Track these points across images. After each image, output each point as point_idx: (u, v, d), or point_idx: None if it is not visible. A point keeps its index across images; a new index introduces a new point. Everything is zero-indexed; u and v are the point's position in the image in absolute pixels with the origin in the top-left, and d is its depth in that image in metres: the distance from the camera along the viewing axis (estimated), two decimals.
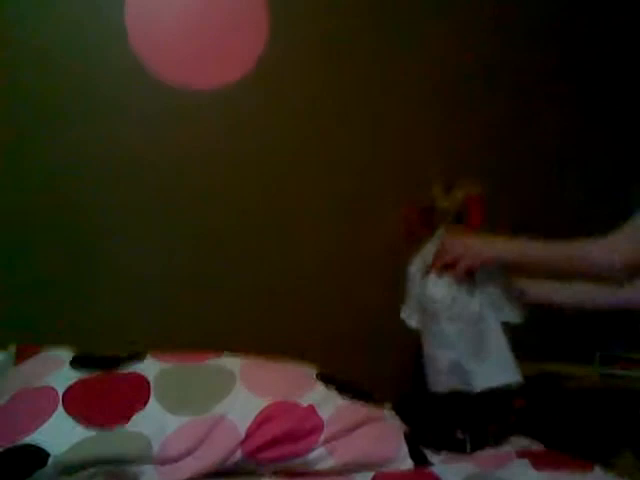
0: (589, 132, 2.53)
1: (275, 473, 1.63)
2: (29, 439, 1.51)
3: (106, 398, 1.65)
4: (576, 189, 2.50)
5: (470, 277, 1.71)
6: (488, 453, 1.78)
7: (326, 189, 2.26)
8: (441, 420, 1.85)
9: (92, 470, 1.51)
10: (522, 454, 1.72)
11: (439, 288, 1.72)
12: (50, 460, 1.48)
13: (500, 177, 2.39)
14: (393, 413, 1.87)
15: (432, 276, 1.74)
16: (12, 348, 1.86)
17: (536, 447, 1.83)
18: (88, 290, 2.05)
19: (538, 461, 1.64)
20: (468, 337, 1.70)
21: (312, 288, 2.22)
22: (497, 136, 2.43)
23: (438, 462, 1.73)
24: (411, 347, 1.90)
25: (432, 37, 2.36)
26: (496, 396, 1.84)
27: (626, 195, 2.40)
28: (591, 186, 2.51)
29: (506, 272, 1.74)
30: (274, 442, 1.62)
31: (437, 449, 1.79)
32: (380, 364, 2.20)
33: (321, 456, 1.64)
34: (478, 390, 1.69)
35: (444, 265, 1.71)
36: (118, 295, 2.06)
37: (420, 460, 1.70)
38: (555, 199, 2.49)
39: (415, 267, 1.80)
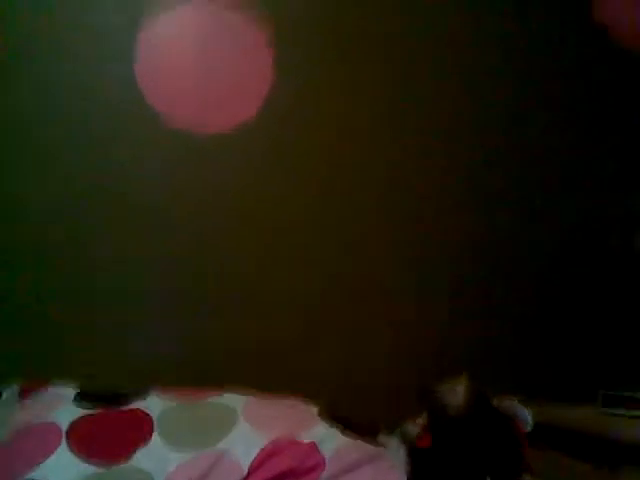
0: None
1: None
2: (32, 476, 1.52)
3: (109, 434, 1.66)
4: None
5: None
6: None
7: (333, 222, 2.28)
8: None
9: None
10: None
11: None
12: None
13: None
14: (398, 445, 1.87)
15: None
16: (16, 384, 1.87)
17: None
18: (89, 321, 2.07)
19: None
20: None
21: (315, 309, 2.24)
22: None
23: None
24: None
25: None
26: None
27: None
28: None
29: None
30: (276, 479, 1.62)
31: None
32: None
33: None
34: None
35: None
36: (120, 324, 2.09)
37: None
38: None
39: None
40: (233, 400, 1.82)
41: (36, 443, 1.61)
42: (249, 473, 1.62)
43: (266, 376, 2.01)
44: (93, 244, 2.09)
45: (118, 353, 2.06)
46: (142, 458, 1.61)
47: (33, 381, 1.86)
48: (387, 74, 2.35)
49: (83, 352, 2.04)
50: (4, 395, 1.85)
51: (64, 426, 1.65)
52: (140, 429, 1.68)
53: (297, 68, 2.24)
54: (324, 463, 1.67)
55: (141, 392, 1.82)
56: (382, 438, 1.94)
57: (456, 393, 1.80)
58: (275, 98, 2.21)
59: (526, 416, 1.88)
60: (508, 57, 2.42)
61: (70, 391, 1.82)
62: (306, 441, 1.71)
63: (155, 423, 1.70)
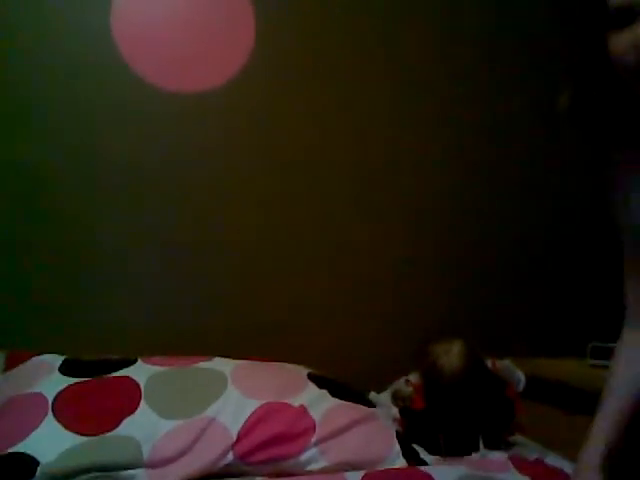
0: None
1: (267, 474, 1.62)
2: (18, 448, 1.50)
3: (96, 403, 1.65)
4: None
5: None
6: (484, 458, 1.75)
7: (325, 192, 2.22)
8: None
9: (83, 477, 1.50)
10: (516, 462, 1.67)
11: None
12: (39, 469, 1.47)
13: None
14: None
15: None
16: (1, 355, 1.85)
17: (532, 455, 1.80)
18: (81, 296, 2.03)
19: (534, 473, 1.60)
20: None
21: (308, 291, 2.19)
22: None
23: (432, 461, 1.71)
24: None
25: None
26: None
27: None
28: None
29: None
30: (266, 444, 1.62)
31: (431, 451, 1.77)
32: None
33: (313, 457, 1.63)
34: None
35: None
36: (112, 301, 2.04)
37: (413, 459, 1.69)
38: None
39: None
40: (222, 365, 1.81)
41: (22, 415, 1.59)
42: (238, 439, 1.61)
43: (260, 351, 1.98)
44: (77, 208, 2.03)
45: (106, 325, 2.02)
46: (130, 426, 1.59)
47: (18, 352, 1.84)
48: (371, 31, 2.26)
49: (72, 326, 2.00)
50: None
51: (50, 396, 1.63)
52: (128, 397, 1.66)
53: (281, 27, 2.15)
54: (314, 426, 1.66)
55: (128, 360, 1.80)
56: (372, 397, 1.94)
57: (451, 357, 1.79)
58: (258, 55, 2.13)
59: (519, 377, 1.88)
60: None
61: (56, 360, 1.80)
62: (295, 405, 1.70)
63: (143, 390, 1.68)
